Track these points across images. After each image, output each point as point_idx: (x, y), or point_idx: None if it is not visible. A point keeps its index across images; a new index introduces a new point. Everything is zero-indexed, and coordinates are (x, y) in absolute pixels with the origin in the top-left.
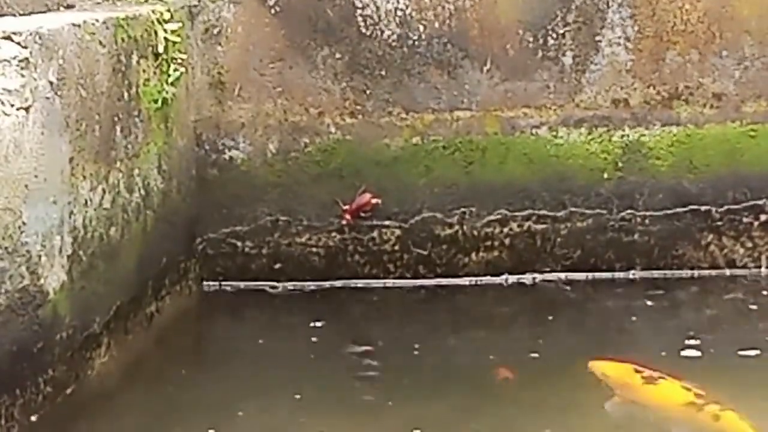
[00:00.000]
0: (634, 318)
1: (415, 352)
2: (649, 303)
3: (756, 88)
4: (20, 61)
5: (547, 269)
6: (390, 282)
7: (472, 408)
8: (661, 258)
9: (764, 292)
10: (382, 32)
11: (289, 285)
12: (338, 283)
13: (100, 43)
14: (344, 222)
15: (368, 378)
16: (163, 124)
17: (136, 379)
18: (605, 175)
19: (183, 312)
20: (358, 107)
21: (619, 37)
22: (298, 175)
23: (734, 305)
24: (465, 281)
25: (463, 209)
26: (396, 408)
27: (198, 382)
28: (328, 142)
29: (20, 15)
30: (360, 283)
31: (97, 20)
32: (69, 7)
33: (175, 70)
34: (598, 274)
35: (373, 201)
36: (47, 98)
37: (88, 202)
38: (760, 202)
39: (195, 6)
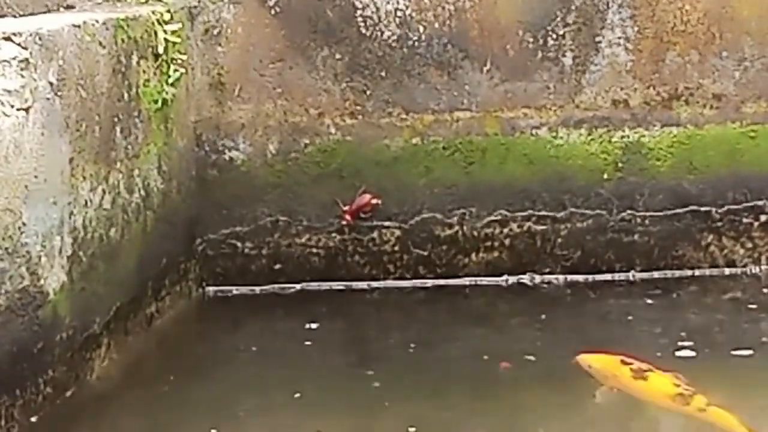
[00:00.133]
0: (633, 318)
1: (415, 353)
2: (648, 303)
3: (756, 89)
4: (20, 61)
5: (547, 270)
6: (390, 283)
7: (471, 408)
8: (661, 259)
9: (765, 290)
10: (382, 33)
11: (289, 285)
12: (338, 284)
13: (100, 43)
14: (344, 222)
15: (368, 378)
16: (163, 125)
17: (136, 379)
18: (605, 176)
19: (183, 313)
20: (358, 108)
21: (619, 38)
22: (298, 175)
23: (733, 305)
24: (465, 282)
25: (463, 210)
26: (395, 408)
27: (198, 382)
28: (328, 143)
29: (20, 16)
30: (360, 283)
31: (97, 21)
32: (69, 7)
33: (175, 70)
34: (597, 274)
35: (373, 201)
36: (47, 99)
37: (88, 203)
38: (760, 203)
39: (195, 7)
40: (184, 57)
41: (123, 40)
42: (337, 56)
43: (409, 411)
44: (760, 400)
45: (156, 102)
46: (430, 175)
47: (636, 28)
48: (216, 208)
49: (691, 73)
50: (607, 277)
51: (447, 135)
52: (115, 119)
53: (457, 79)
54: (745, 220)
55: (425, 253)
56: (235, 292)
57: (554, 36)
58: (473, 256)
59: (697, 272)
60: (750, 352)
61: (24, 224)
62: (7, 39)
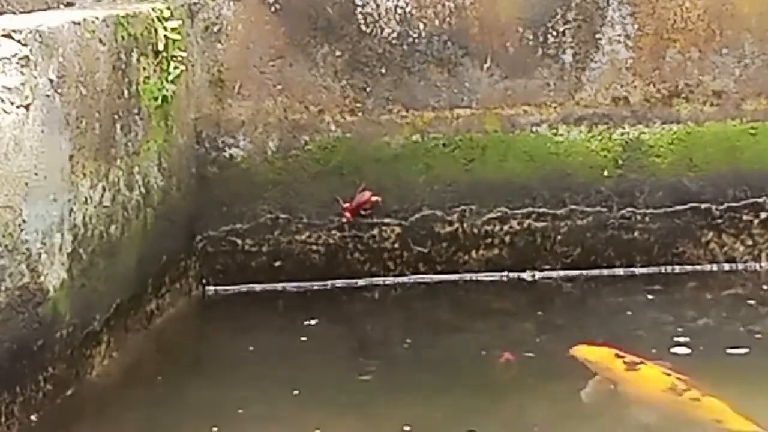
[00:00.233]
0: (632, 314)
1: (415, 350)
2: (648, 300)
3: (756, 86)
4: (20, 58)
5: (548, 267)
6: (390, 280)
7: (470, 405)
8: (661, 255)
9: (765, 287)
10: (382, 30)
11: (289, 282)
12: (338, 281)
13: (100, 40)
14: (344, 220)
15: (368, 375)
16: (163, 122)
17: (137, 376)
18: (605, 173)
19: (183, 310)
20: (358, 105)
21: (619, 35)
22: (298, 172)
23: (732, 302)
24: (465, 278)
25: (463, 207)
26: (395, 405)
27: (198, 379)
28: (328, 140)
29: (20, 13)
30: (360, 280)
31: (97, 18)
32: (69, 4)
33: (175, 67)
34: (597, 271)
35: (373, 199)
36: (47, 96)
37: (88, 200)
38: (760, 200)
39: (195, 4)
40: (184, 54)
41: (123, 37)
42: (337, 53)
43: (408, 408)
44: (758, 398)
45: (156, 99)
46: (430, 172)
47: (636, 25)
48: (216, 205)
49: (691, 70)
50: (607, 273)
51: (447, 132)
52: (115, 116)
53: (458, 76)
54: (745, 217)
55: (425, 250)
56: (235, 289)
57: (554, 33)
58: (473, 253)
59: (697, 268)
60: (746, 350)
61: (24, 221)
62: (7, 36)
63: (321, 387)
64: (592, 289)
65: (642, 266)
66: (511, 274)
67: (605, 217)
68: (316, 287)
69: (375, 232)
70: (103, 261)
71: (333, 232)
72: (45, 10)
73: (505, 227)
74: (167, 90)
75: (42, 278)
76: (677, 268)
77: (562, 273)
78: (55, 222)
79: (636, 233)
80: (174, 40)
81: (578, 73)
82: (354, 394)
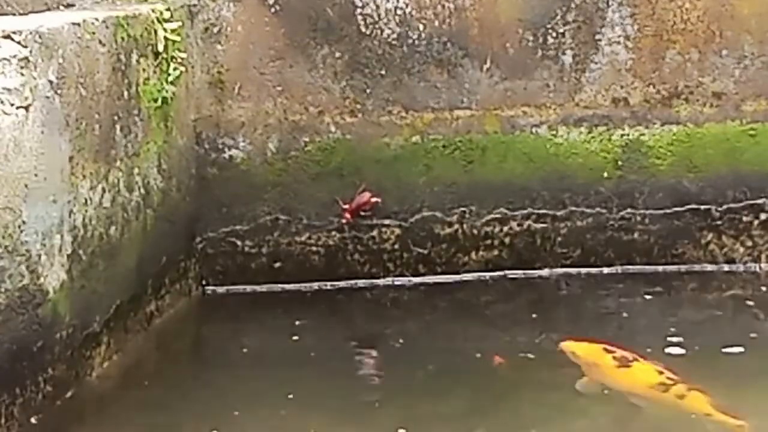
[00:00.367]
0: (630, 315)
1: (414, 351)
2: (647, 301)
3: (756, 87)
4: (20, 60)
5: (547, 268)
6: (390, 281)
7: (467, 406)
8: (660, 257)
9: (764, 288)
10: (382, 31)
11: (289, 284)
12: (338, 283)
13: (100, 42)
14: (344, 221)
15: (367, 376)
16: (162, 123)
17: (136, 378)
18: (605, 174)
19: (183, 311)
20: (358, 106)
21: (619, 36)
22: (297, 174)
23: (730, 303)
24: (465, 279)
25: (462, 208)
26: (394, 406)
27: (198, 381)
28: (327, 141)
29: (20, 14)
30: (360, 282)
31: (96, 19)
32: (69, 6)
33: (175, 69)
34: (597, 272)
35: (373, 200)
36: (47, 97)
37: (88, 201)
38: (760, 201)
39: (195, 5)
40: (184, 55)
41: (123, 39)
42: (337, 54)
43: (406, 409)
44: (751, 399)
45: (156, 100)
46: (430, 173)
47: (636, 27)
48: (216, 207)
49: (691, 72)
50: (607, 274)
51: (447, 133)
52: (115, 117)
53: (457, 77)
54: (744, 219)
55: (425, 252)
56: (234, 290)
57: (554, 34)
58: (473, 254)
59: (696, 269)
60: (741, 349)
61: (24, 222)
62: (7, 37)
63: (320, 388)
64: (592, 290)
65: (642, 267)
66: (511, 275)
67: (605, 218)
68: (315, 288)
69: (375, 233)
70: (103, 262)
71: (333, 233)
72: (45, 11)
73: (505, 228)
74: (167, 91)
75: (42, 279)
76: (677, 269)
77: (561, 273)
78: (55, 223)
79: (636, 234)
80: (174, 42)
81: (578, 74)
82: (354, 395)
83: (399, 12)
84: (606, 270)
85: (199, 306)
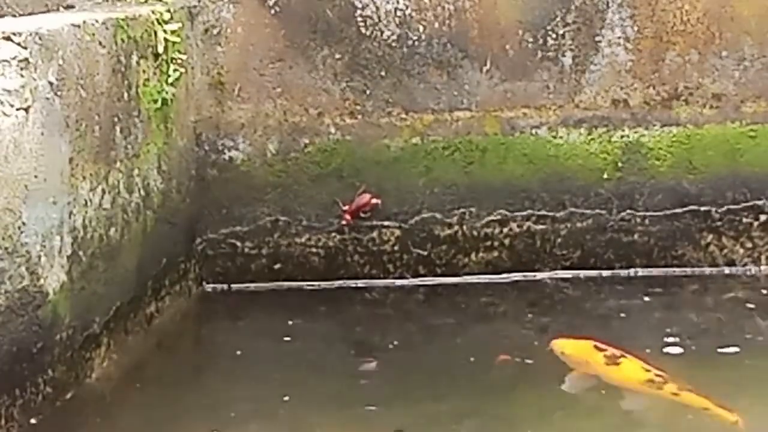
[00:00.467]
0: (629, 316)
1: (413, 352)
2: (646, 303)
3: (756, 89)
4: (20, 61)
5: (547, 269)
6: (389, 282)
7: (464, 408)
8: (660, 258)
9: (764, 291)
10: (382, 32)
11: (289, 285)
12: (338, 284)
13: (100, 43)
14: (344, 222)
15: (367, 378)
16: (162, 125)
17: (136, 379)
18: (605, 176)
19: (182, 312)
20: (358, 107)
21: (619, 38)
22: (297, 175)
23: (730, 305)
24: (464, 281)
25: (462, 209)
26: (393, 407)
27: (198, 382)
28: (327, 143)
29: (20, 15)
30: (360, 283)
31: (96, 21)
32: (69, 7)
33: (175, 70)
34: (597, 274)
35: (373, 201)
36: (47, 99)
37: (88, 203)
38: (760, 203)
39: (195, 6)
40: (184, 57)
41: (123, 40)
42: (337, 56)
43: (405, 411)
44: (748, 399)
45: (156, 102)
46: (430, 174)
47: (636, 28)
48: (216, 208)
49: (690, 73)
50: (607, 276)
51: (447, 135)
52: (115, 119)
53: (457, 78)
54: (744, 220)
55: (425, 253)
56: (234, 291)
57: (554, 36)
58: (473, 255)
59: (696, 271)
60: (736, 349)
61: (24, 224)
62: (7, 39)
63: (319, 389)
64: (592, 292)
65: (641, 269)
66: (511, 277)
67: (605, 219)
68: (315, 289)
69: (375, 234)
70: (103, 263)
71: (333, 234)
72: (45, 12)
73: (505, 230)
74: (167, 93)
75: (42, 281)
76: (677, 271)
77: (561, 275)
78: (55, 225)
79: (635, 236)
80: (174, 43)
81: (578, 75)
82: (354, 395)
83: (399, 13)
84: (606, 270)
85: (199, 307)
